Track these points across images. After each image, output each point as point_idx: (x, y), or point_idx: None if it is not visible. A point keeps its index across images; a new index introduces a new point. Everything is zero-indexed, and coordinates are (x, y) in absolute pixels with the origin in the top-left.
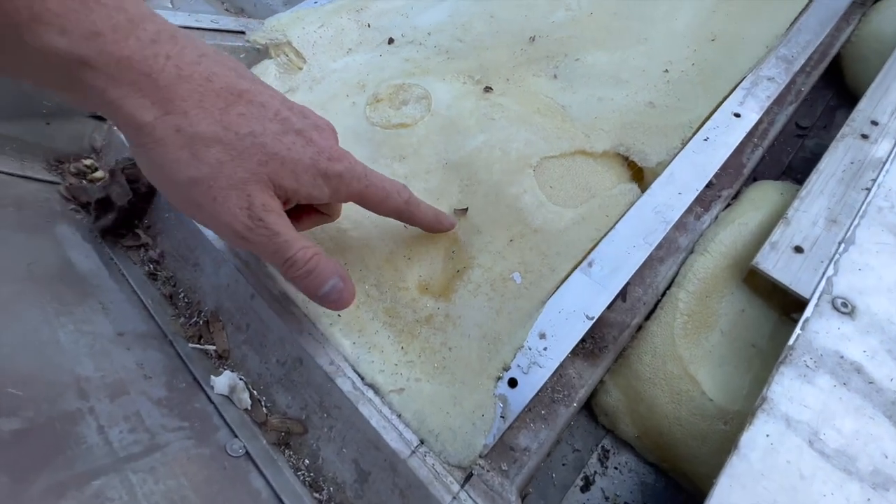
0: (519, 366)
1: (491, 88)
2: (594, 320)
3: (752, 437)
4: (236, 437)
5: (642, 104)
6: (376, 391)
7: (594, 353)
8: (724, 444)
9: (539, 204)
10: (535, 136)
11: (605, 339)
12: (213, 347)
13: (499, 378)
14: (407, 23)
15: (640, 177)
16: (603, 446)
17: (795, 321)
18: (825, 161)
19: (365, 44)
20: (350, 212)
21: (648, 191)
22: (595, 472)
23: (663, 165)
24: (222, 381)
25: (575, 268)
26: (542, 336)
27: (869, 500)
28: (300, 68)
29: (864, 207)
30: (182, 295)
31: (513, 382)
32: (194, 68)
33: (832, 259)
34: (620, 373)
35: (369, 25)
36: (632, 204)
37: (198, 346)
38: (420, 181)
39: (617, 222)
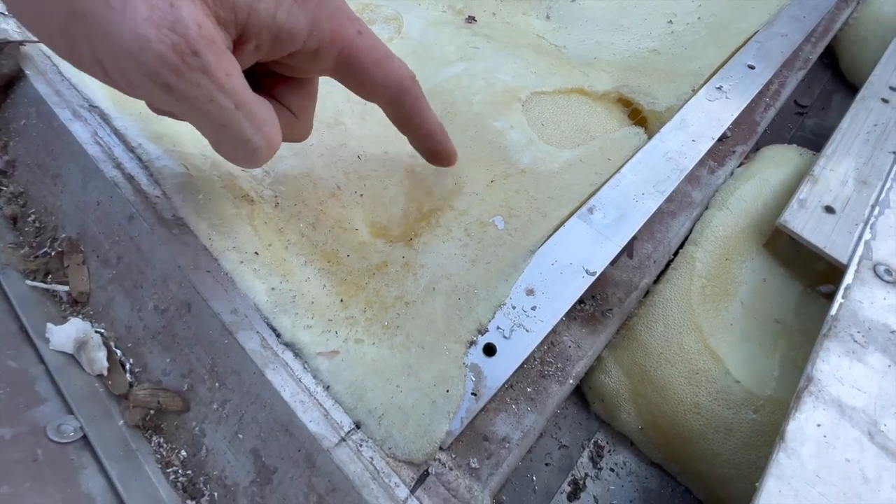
0: (499, 328)
1: (474, 18)
2: (596, 276)
3: (801, 427)
4: (72, 413)
5: (646, 51)
6: (297, 353)
7: (595, 318)
8: (754, 437)
9: (528, 142)
10: (526, 70)
11: (609, 301)
12: (66, 288)
13: (471, 343)
14: None
15: (645, 124)
16: (596, 442)
17: (824, 294)
18: (847, 120)
19: None
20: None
21: (658, 135)
22: (586, 475)
23: (672, 111)
24: (64, 333)
25: (571, 214)
26: (530, 292)
27: None
28: None
29: (894, 169)
30: (32, 217)
31: (490, 349)
32: None
33: (867, 222)
34: (624, 347)
35: None
36: (637, 149)
37: (39, 284)
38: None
39: (622, 167)
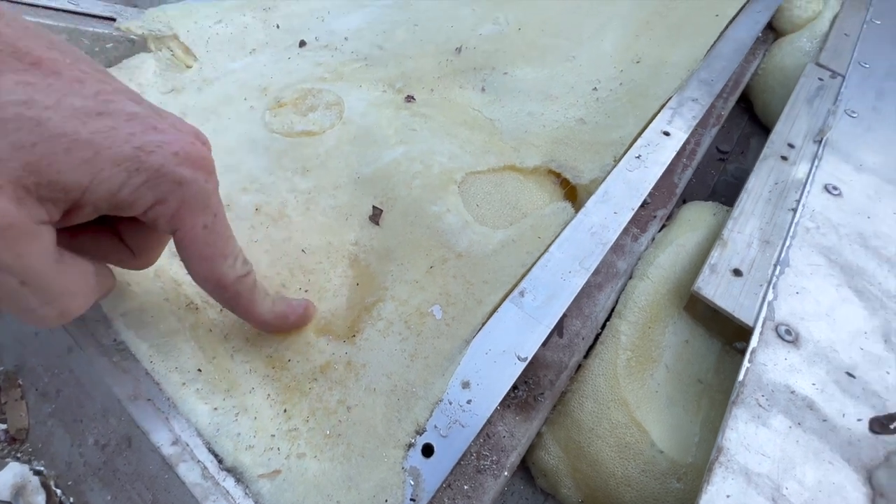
0: (436, 426)
1: (413, 98)
2: (527, 361)
3: (712, 500)
4: None
5: (573, 120)
6: (238, 477)
7: (528, 404)
8: (682, 500)
9: (464, 224)
10: (461, 150)
11: (541, 385)
12: (3, 426)
13: (410, 445)
14: (322, 26)
15: (573, 195)
16: None
17: (739, 350)
18: (752, 181)
19: (272, 45)
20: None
21: (583, 210)
22: None
23: (597, 183)
24: (1, 480)
25: (504, 298)
26: (466, 385)
27: None
28: (189, 66)
29: (793, 228)
30: None
31: (428, 450)
32: None
33: (770, 282)
34: (560, 423)
35: (278, 26)
36: (566, 224)
37: None
38: (327, 197)
39: (550, 245)
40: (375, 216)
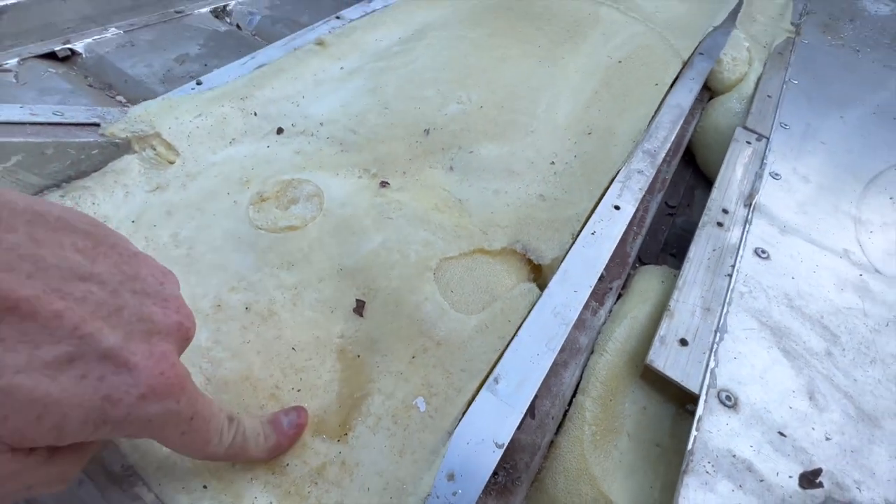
0: None
1: (387, 183)
2: (504, 447)
3: None
4: None
5: (534, 197)
6: None
7: (507, 489)
8: None
9: (441, 312)
10: (434, 236)
11: (518, 468)
12: None
13: None
14: (298, 112)
15: (538, 272)
16: None
17: (690, 412)
18: (692, 250)
19: (251, 133)
20: (225, 336)
21: (546, 291)
22: None
23: (557, 261)
24: None
25: (481, 385)
26: (451, 477)
27: None
28: (171, 162)
29: (729, 294)
30: None
31: None
32: None
33: (712, 349)
34: (537, 500)
35: (255, 114)
36: (532, 305)
37: None
38: (312, 291)
39: (519, 328)
40: (359, 308)
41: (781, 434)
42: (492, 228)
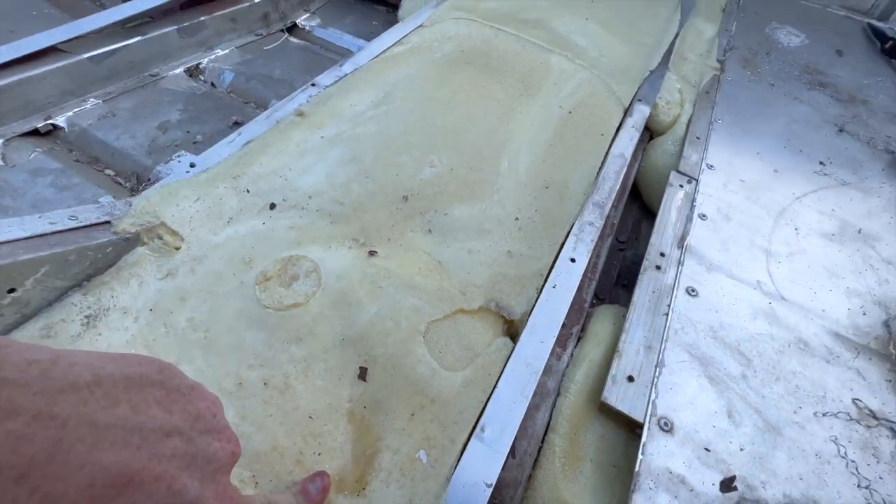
0: None
1: (375, 252)
2: (492, 487)
3: None
4: None
5: (503, 254)
6: None
7: None
8: None
9: (433, 372)
10: (421, 301)
11: (504, 502)
12: None
13: None
14: (287, 186)
15: (512, 325)
16: None
17: (639, 436)
18: (636, 294)
19: (246, 211)
20: (250, 412)
21: (518, 344)
22: None
23: (526, 315)
24: None
25: (470, 434)
26: None
27: None
28: (177, 248)
29: (665, 332)
30: None
31: None
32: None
33: (653, 383)
34: None
35: (248, 191)
36: (507, 358)
37: None
38: (320, 362)
39: (498, 380)
40: (362, 374)
41: (707, 450)
42: (469, 289)
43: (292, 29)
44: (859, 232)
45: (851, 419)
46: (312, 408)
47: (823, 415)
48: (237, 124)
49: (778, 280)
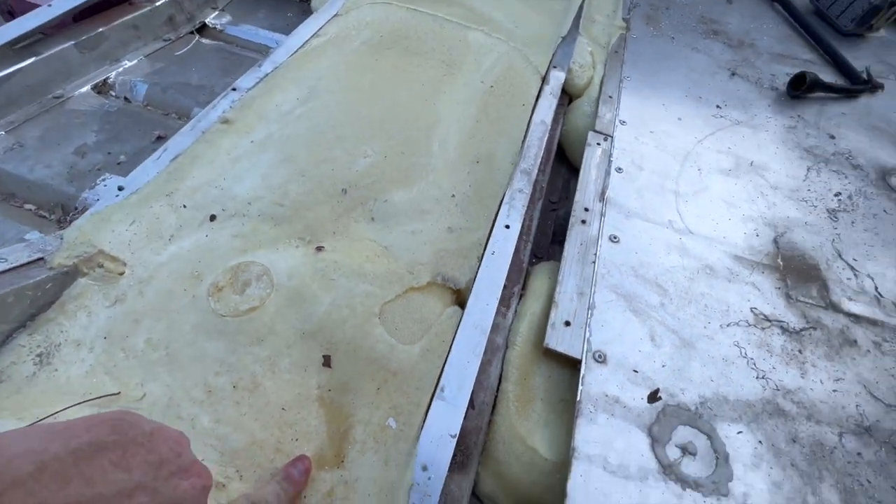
0: (413, 503)
1: (322, 247)
2: (457, 436)
3: (575, 483)
4: None
5: (443, 230)
6: None
7: (464, 464)
8: (562, 485)
9: (391, 348)
10: (372, 286)
11: (469, 447)
12: None
13: None
14: (224, 195)
15: (460, 295)
16: None
17: (578, 371)
18: (567, 247)
19: (186, 227)
20: (223, 415)
21: (466, 310)
22: None
23: (470, 282)
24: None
25: (432, 396)
26: (425, 468)
27: (640, 491)
28: (121, 273)
29: (594, 278)
30: None
31: None
32: None
33: (587, 323)
34: (486, 464)
35: (185, 206)
36: (458, 324)
37: None
38: (284, 357)
39: (451, 344)
40: (326, 362)
41: (635, 371)
42: (416, 267)
43: (202, 30)
44: (751, 164)
45: (750, 325)
46: (283, 400)
47: (728, 325)
48: (161, 139)
49: (686, 217)
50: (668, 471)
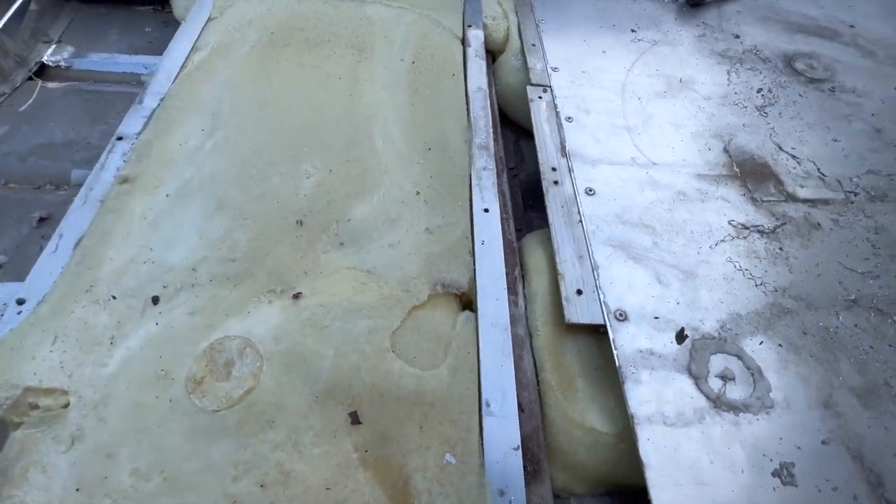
0: None
1: (299, 293)
2: (519, 449)
3: (644, 447)
4: None
5: (422, 234)
6: None
7: (536, 472)
8: (633, 452)
9: (417, 378)
10: (372, 319)
11: (534, 452)
12: None
13: None
14: (158, 269)
15: (464, 295)
16: None
17: (606, 334)
18: (550, 214)
19: (126, 322)
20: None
21: (479, 312)
22: None
23: (472, 280)
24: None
25: (480, 415)
26: (502, 493)
27: (703, 433)
28: (66, 405)
29: (586, 237)
30: None
31: None
32: None
33: (597, 286)
34: (552, 460)
35: (114, 297)
36: (475, 329)
37: None
38: (305, 431)
39: (479, 354)
40: (354, 418)
41: (656, 318)
42: (410, 283)
43: (42, 71)
44: (681, 81)
45: (734, 238)
46: (323, 478)
47: (716, 244)
48: (45, 221)
49: (644, 149)
50: (718, 403)
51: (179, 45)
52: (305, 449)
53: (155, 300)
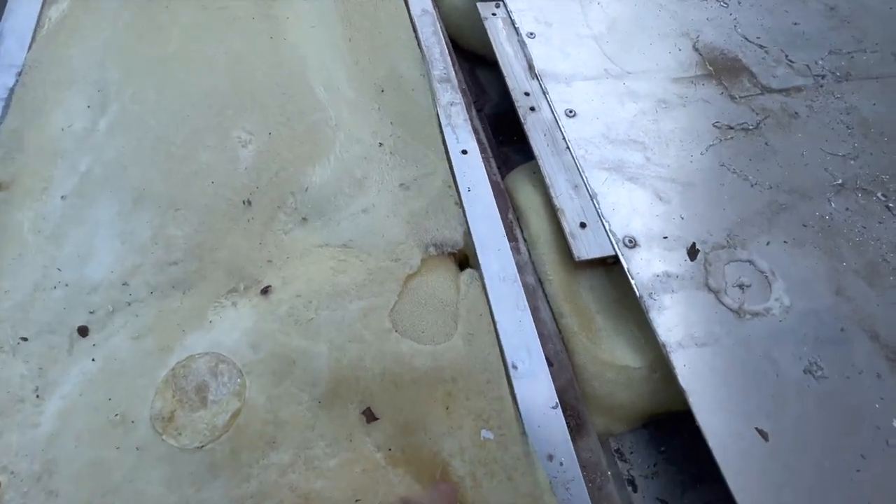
0: (563, 499)
1: (268, 287)
2: (558, 404)
3: (683, 374)
4: None
5: (396, 190)
6: None
7: (580, 426)
8: (668, 379)
9: (431, 355)
10: (363, 300)
11: (574, 407)
12: None
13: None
14: (76, 291)
15: (465, 257)
16: (616, 448)
17: (617, 262)
18: (534, 146)
19: (51, 365)
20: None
21: (482, 268)
22: (629, 470)
23: (466, 234)
24: None
25: (509, 379)
26: (551, 457)
27: (733, 348)
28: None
29: (577, 163)
30: None
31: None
32: None
33: (599, 214)
34: (591, 406)
35: (25, 339)
36: (482, 286)
37: None
38: (316, 443)
39: (492, 313)
40: (369, 415)
41: (665, 237)
42: (397, 249)
43: None
44: None
45: (722, 140)
46: (350, 490)
47: (706, 150)
48: None
49: (616, 59)
50: (742, 313)
51: (21, 1)
52: (320, 463)
53: (82, 331)
